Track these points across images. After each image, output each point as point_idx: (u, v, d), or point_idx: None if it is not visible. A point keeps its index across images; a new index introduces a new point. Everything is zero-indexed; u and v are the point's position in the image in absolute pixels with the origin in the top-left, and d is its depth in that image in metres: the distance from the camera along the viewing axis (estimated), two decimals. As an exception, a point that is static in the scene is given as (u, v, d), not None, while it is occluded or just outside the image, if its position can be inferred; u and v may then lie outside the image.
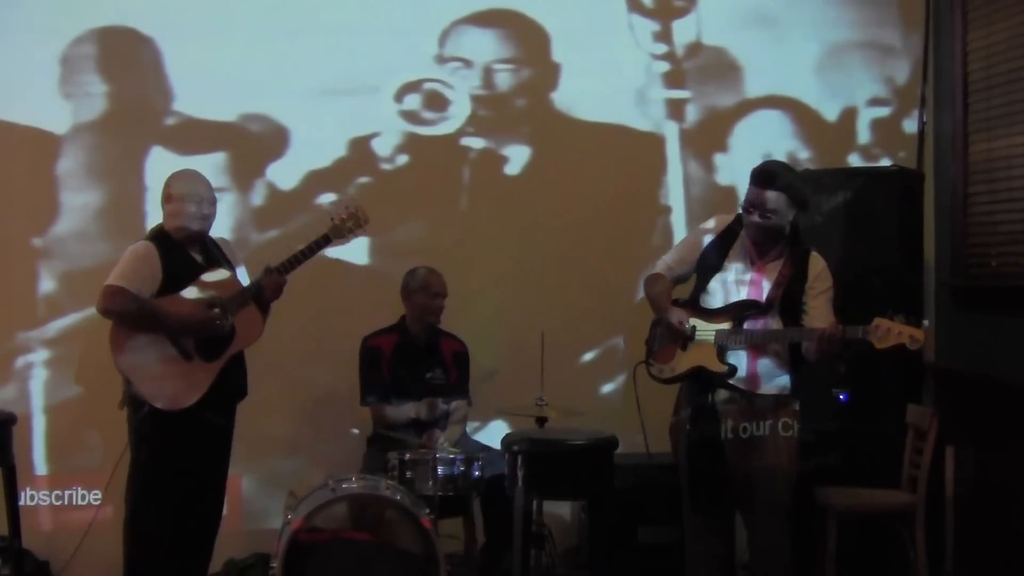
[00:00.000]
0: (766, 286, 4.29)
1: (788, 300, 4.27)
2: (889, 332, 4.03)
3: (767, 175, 4.25)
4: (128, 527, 4.41)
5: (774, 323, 4.27)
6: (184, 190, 4.42)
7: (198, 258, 4.45)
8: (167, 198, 4.45)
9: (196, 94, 5.51)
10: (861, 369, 5.03)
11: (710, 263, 4.37)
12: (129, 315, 4.28)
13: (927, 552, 4.78)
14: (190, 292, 4.36)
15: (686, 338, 4.33)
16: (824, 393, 5.20)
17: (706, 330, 4.30)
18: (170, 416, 4.28)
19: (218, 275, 4.43)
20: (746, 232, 4.32)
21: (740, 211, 4.33)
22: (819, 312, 4.25)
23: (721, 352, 4.27)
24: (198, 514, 4.45)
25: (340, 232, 4.60)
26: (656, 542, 5.00)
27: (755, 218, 4.24)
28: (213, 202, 4.49)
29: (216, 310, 4.35)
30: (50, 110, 5.45)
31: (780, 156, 5.64)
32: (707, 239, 4.41)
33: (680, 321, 4.31)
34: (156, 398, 4.28)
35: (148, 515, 4.35)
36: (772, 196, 4.20)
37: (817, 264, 4.33)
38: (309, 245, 4.52)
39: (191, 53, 5.47)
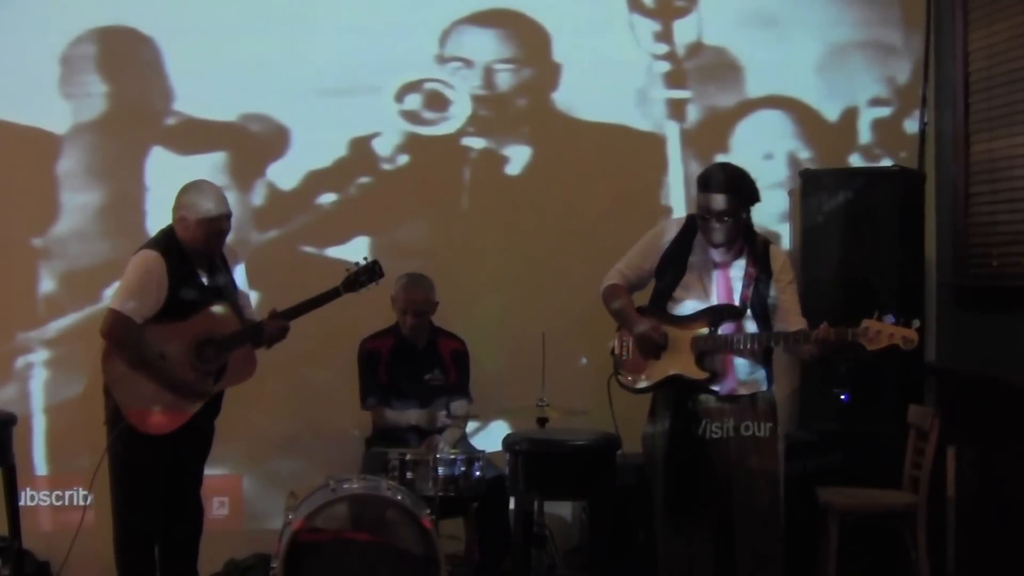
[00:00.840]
0: (735, 286, 4.27)
1: (758, 298, 4.25)
2: (880, 334, 3.95)
3: (715, 180, 4.23)
4: (115, 532, 4.41)
5: (749, 324, 4.24)
6: (206, 207, 4.30)
7: (203, 274, 4.39)
8: (187, 210, 4.31)
9: (196, 94, 5.50)
10: (862, 369, 5.03)
11: (672, 269, 4.33)
12: (124, 352, 4.26)
13: (928, 553, 4.77)
14: (190, 327, 4.30)
15: (660, 348, 4.30)
16: (825, 393, 5.20)
17: (680, 337, 4.26)
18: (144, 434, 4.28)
19: (218, 310, 4.37)
20: (703, 236, 4.28)
21: (695, 216, 4.29)
22: (790, 304, 4.26)
23: (700, 358, 4.23)
24: (180, 517, 4.46)
25: (352, 285, 4.51)
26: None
27: (712, 223, 4.21)
28: (230, 216, 4.42)
29: (209, 364, 4.31)
30: (50, 110, 5.45)
31: (781, 156, 5.69)
32: (662, 244, 4.38)
33: (655, 331, 4.28)
34: (134, 416, 4.26)
35: (132, 520, 4.35)
36: (723, 198, 4.17)
37: (779, 256, 4.34)
38: (318, 296, 4.46)
39: (191, 53, 5.47)
